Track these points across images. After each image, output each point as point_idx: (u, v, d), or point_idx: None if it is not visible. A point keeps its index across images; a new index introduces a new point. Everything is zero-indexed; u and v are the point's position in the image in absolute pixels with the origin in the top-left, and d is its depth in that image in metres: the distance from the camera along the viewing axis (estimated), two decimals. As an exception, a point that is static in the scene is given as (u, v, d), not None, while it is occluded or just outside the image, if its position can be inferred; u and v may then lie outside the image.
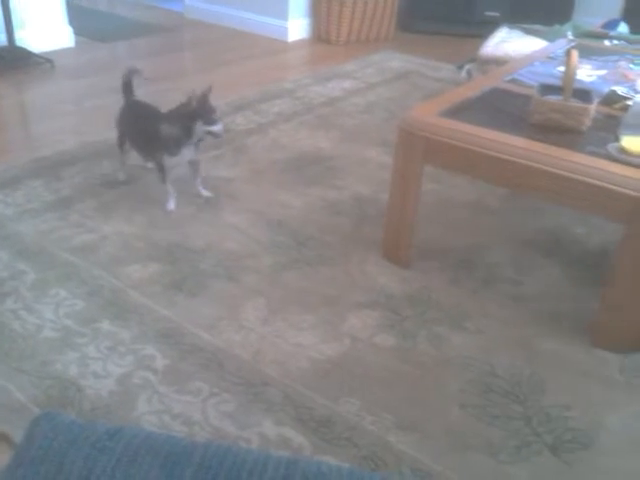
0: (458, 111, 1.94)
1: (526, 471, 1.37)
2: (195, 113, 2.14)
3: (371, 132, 3.00)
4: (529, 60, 2.52)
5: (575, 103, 1.82)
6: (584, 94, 1.86)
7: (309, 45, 4.48)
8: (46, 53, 3.70)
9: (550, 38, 3.04)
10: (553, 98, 1.85)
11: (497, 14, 4.45)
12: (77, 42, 4.07)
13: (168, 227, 2.18)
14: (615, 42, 2.99)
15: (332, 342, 1.70)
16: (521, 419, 1.49)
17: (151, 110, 2.31)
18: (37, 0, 3.78)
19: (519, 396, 1.56)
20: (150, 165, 2.47)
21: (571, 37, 2.93)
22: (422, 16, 4.71)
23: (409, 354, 1.67)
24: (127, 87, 2.37)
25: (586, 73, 2.30)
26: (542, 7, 4.28)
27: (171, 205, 2.28)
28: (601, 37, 3.06)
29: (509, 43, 3.12)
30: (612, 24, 3.70)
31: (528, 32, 3.28)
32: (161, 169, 2.25)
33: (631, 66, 2.40)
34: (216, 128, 2.18)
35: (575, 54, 1.80)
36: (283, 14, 4.42)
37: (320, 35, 4.52)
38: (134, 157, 2.41)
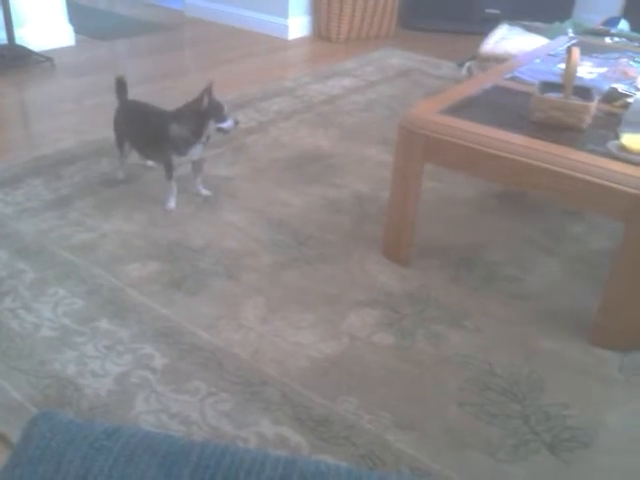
0: (459, 109, 1.93)
1: (525, 470, 1.37)
2: (207, 111, 2.12)
3: (371, 130, 3.00)
4: (530, 57, 2.51)
5: (576, 101, 1.81)
6: (585, 92, 1.86)
7: (309, 43, 4.47)
8: (46, 51, 3.70)
9: (550, 35, 3.03)
10: (554, 96, 1.84)
11: (498, 11, 4.44)
12: (77, 40, 4.06)
13: (168, 226, 2.18)
14: (616, 39, 2.98)
15: (331, 341, 1.70)
16: (520, 418, 1.49)
17: (153, 109, 2.29)
18: (37, -2, 3.78)
19: (518, 395, 1.56)
20: (150, 164, 2.46)
21: (572, 34, 2.92)
22: (422, 13, 4.70)
23: (408, 353, 1.67)
24: (121, 88, 2.35)
25: (587, 70, 2.29)
26: (542, 4, 4.27)
27: (171, 204, 2.27)
28: (602, 34, 3.06)
29: (509, 40, 3.12)
30: (612, 21, 3.70)
31: (529, 29, 3.27)
32: (169, 168, 2.23)
33: (632, 63, 2.39)
34: (227, 125, 2.18)
35: (576, 51, 1.79)
36: (283, 12, 4.41)
37: (320, 33, 4.51)
38: (134, 156, 2.41)
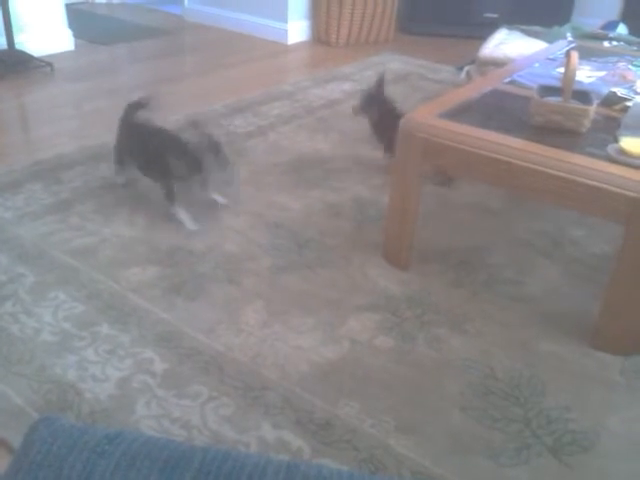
0: (458, 113, 1.94)
1: (527, 474, 1.37)
2: (206, 151, 2.09)
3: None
4: (529, 62, 2.52)
5: (575, 104, 1.82)
6: (583, 95, 1.86)
7: (309, 47, 4.48)
8: (46, 56, 3.70)
9: (549, 39, 3.04)
10: (553, 100, 1.85)
11: (496, 15, 4.46)
12: (77, 45, 4.07)
13: (168, 230, 2.18)
14: (614, 43, 2.99)
15: (332, 345, 1.70)
16: (521, 421, 1.49)
17: (159, 135, 2.20)
18: (37, 4, 3.79)
19: (519, 398, 1.55)
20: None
21: (570, 38, 2.93)
22: (421, 18, 4.71)
23: (409, 357, 1.67)
24: (133, 110, 2.30)
25: (585, 74, 2.30)
26: (541, 8, 4.29)
27: (190, 225, 2.17)
28: (600, 38, 3.06)
29: (508, 45, 3.12)
30: (611, 25, 3.71)
31: (527, 33, 3.28)
32: (170, 193, 2.19)
33: (630, 67, 2.40)
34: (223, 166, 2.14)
35: (575, 55, 1.80)
36: (282, 16, 4.42)
37: (320, 37, 4.52)
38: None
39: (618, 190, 1.57)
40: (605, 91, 2.08)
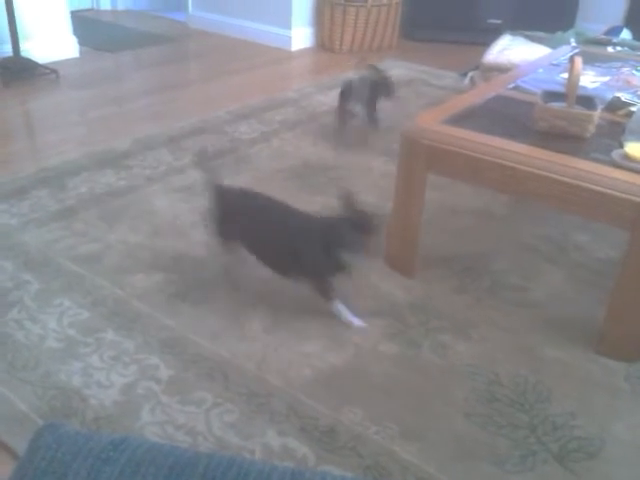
0: (461, 119, 1.94)
1: (532, 481, 1.36)
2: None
3: (375, 141, 3.00)
4: (532, 67, 2.52)
5: (579, 110, 1.82)
6: (588, 101, 1.86)
7: (312, 54, 4.49)
8: (51, 63, 3.72)
9: (553, 45, 3.04)
10: (557, 105, 1.85)
11: (499, 21, 4.46)
12: (82, 52, 4.09)
13: (172, 236, 2.18)
14: (618, 49, 2.99)
15: (336, 351, 1.69)
16: (526, 428, 1.48)
17: (294, 218, 1.82)
18: (42, 11, 3.81)
19: (524, 405, 1.55)
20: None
21: (574, 44, 2.93)
22: (424, 24, 4.72)
23: (413, 363, 1.67)
24: (212, 171, 1.91)
25: (589, 80, 2.30)
26: (545, 14, 4.29)
27: (355, 320, 1.78)
28: (604, 44, 3.07)
29: (512, 50, 3.13)
30: (615, 31, 3.71)
31: (531, 39, 3.29)
32: (327, 289, 1.78)
33: (634, 72, 2.40)
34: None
35: (579, 61, 1.80)
36: (286, 23, 4.44)
37: (323, 44, 4.54)
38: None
39: (623, 195, 1.56)
40: (609, 96, 2.08)
